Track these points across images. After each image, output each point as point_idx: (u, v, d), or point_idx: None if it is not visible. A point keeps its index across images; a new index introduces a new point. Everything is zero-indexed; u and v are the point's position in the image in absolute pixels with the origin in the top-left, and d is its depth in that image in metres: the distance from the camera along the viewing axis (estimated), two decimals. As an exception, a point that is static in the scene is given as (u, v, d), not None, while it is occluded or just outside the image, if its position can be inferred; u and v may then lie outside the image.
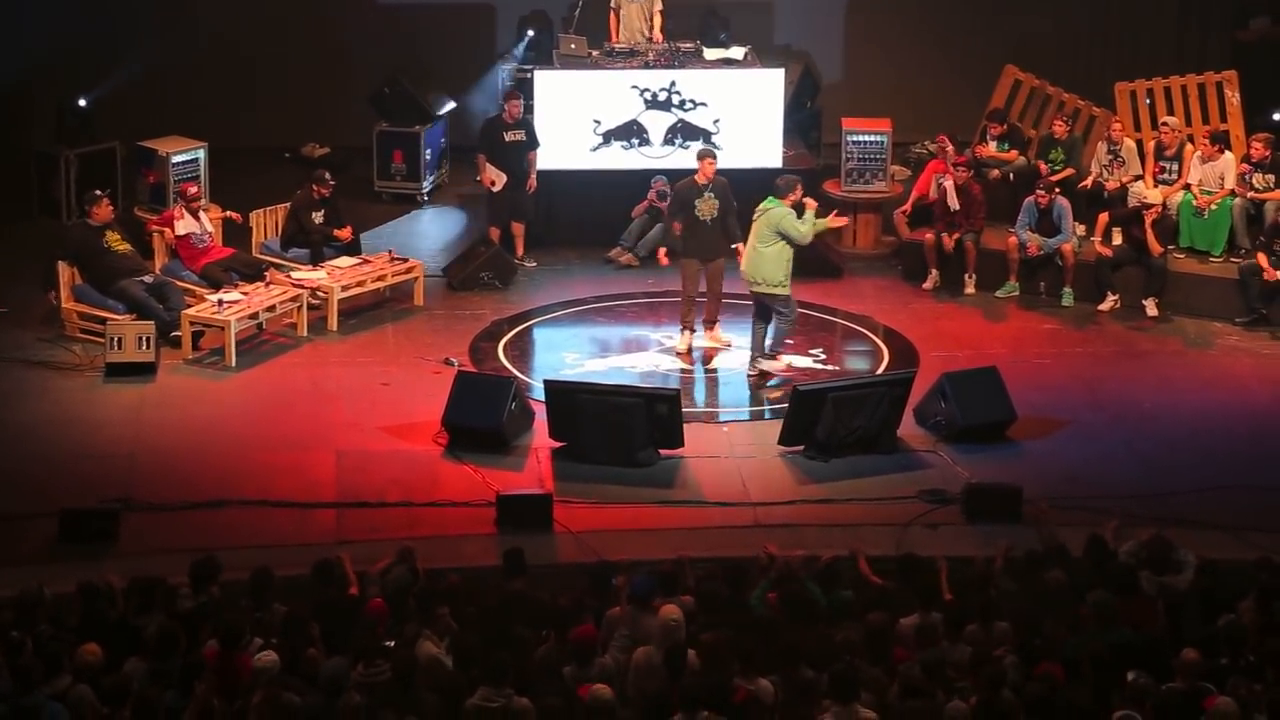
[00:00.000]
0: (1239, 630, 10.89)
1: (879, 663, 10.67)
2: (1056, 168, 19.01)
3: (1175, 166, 18.62)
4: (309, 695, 10.27)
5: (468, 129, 21.06)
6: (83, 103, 19.85)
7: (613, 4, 20.17)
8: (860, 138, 19.64)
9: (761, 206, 16.29)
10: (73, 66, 20.59)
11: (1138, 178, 18.68)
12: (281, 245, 18.13)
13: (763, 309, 16.30)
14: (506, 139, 18.69)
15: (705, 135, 19.29)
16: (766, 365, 16.30)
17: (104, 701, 10.22)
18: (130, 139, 19.59)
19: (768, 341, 16.32)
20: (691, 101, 19.28)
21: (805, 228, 16.10)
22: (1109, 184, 18.70)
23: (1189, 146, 18.77)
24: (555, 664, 10.79)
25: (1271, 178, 18.22)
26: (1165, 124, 18.86)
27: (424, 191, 20.64)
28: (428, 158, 20.61)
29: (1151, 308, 17.75)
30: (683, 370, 16.49)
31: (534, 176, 18.79)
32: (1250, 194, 18.17)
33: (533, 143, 18.77)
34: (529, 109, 19.26)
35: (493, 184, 18.69)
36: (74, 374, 16.16)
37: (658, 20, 20.17)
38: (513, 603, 11.45)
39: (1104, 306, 17.93)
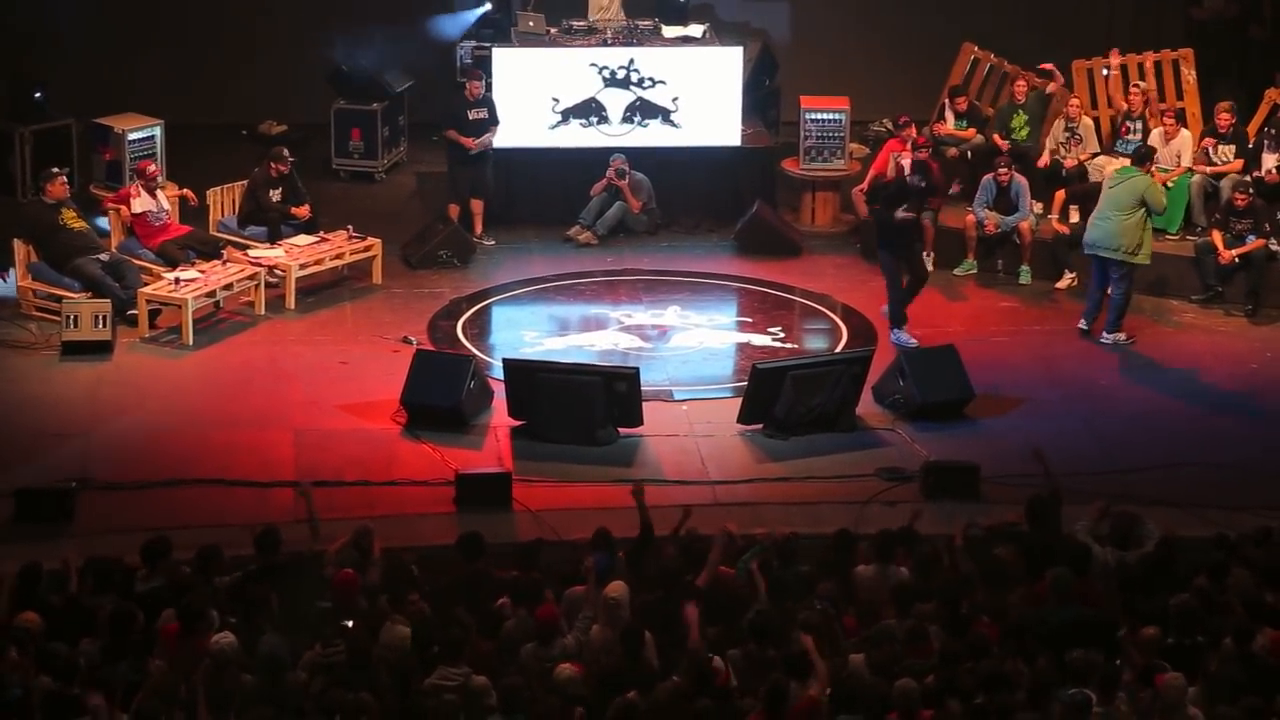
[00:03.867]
0: (1190, 610, 10.95)
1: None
2: (1017, 136, 19.02)
3: (1139, 125, 18.68)
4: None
5: (425, 106, 21.01)
6: (38, 95, 19.66)
7: None
8: (818, 116, 19.64)
9: (1118, 174, 16.75)
10: (27, 42, 20.49)
11: (1095, 155, 18.75)
12: (239, 223, 18.06)
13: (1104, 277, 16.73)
14: (470, 117, 18.67)
15: (664, 113, 19.29)
16: (1112, 338, 16.66)
17: (55, 679, 10.18)
18: (86, 116, 19.48)
19: (1111, 315, 16.70)
20: (650, 79, 19.27)
21: (1165, 198, 16.83)
22: (1067, 161, 18.75)
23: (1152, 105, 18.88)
24: (519, 641, 10.80)
25: (1233, 149, 18.29)
26: (1136, 86, 18.92)
27: (382, 169, 20.58)
28: (385, 135, 20.55)
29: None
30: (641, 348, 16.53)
31: (489, 139, 18.69)
32: (1211, 168, 18.21)
33: (494, 120, 18.76)
34: (487, 86, 19.24)
35: (476, 146, 18.58)
36: (30, 352, 16.08)
37: None
38: (470, 581, 11.44)
39: (1061, 284, 18.00)
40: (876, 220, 16.97)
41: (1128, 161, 18.08)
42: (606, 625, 10.83)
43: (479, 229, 18.84)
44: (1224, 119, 18.35)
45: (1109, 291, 16.75)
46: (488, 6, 21.21)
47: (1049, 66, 19.23)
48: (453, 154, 18.91)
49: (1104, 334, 16.70)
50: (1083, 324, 16.86)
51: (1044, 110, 19.22)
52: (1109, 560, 11.93)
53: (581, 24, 19.88)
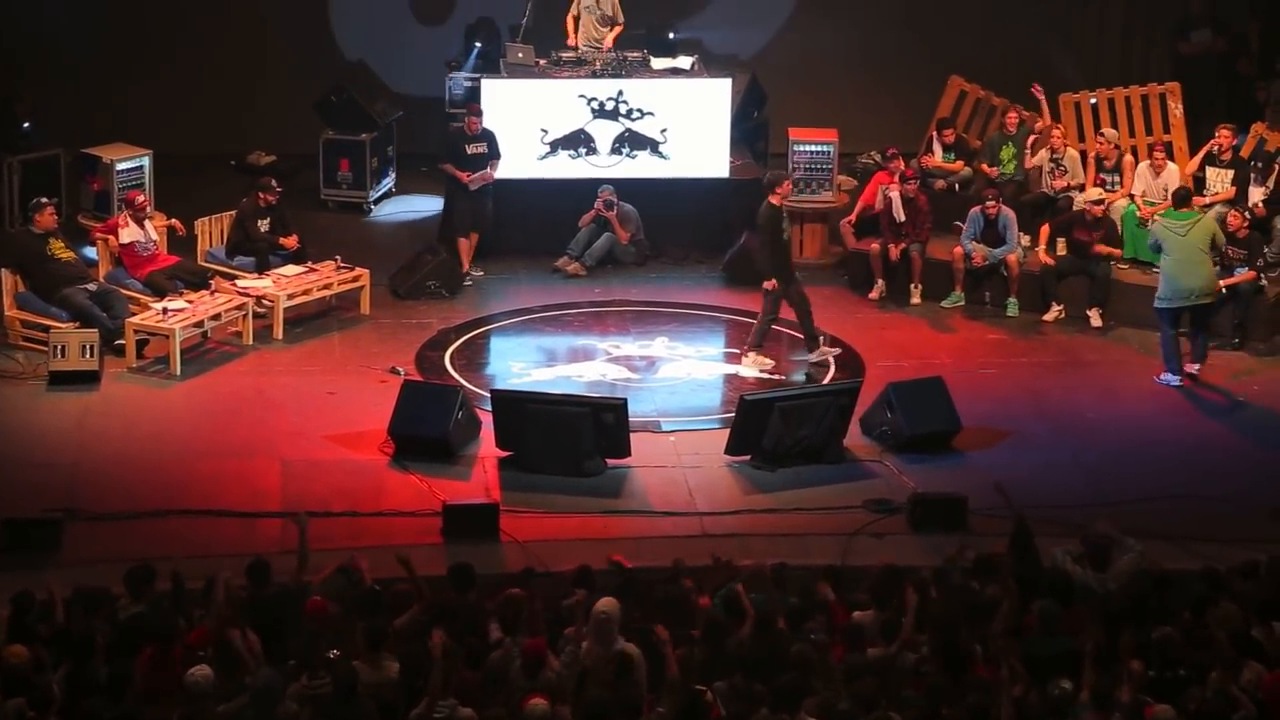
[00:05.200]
0: (1173, 643, 10.94)
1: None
2: (1005, 170, 19.08)
3: (1116, 179, 18.75)
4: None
5: (414, 137, 21.06)
6: (26, 125, 19.69)
7: (573, 11, 20.13)
8: (807, 148, 19.68)
9: (1178, 219, 16.62)
10: (15, 73, 20.51)
11: (1081, 186, 18.77)
12: (227, 253, 18.06)
13: (1175, 319, 16.57)
14: (469, 151, 18.64)
15: (653, 145, 19.32)
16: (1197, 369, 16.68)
17: (31, 706, 10.14)
18: (74, 146, 19.48)
19: (1203, 351, 16.69)
20: (639, 111, 19.30)
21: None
22: (1056, 183, 18.77)
23: (1128, 158, 18.90)
24: (505, 672, 10.77)
25: (1230, 173, 18.29)
26: (1102, 135, 18.96)
27: (370, 200, 20.59)
28: (374, 166, 20.57)
29: (1095, 318, 17.85)
30: (629, 379, 16.52)
31: (490, 172, 18.67)
32: (1206, 199, 18.21)
33: (494, 153, 18.74)
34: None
35: (471, 180, 18.52)
36: (17, 382, 16.06)
37: (616, 30, 20.14)
38: (451, 611, 11.42)
39: (1048, 316, 18.02)
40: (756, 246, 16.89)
41: (1110, 197, 18.21)
42: (596, 642, 10.78)
43: (466, 264, 18.76)
44: (1225, 135, 18.35)
45: (1194, 333, 16.74)
46: (478, 45, 21.23)
47: (1039, 93, 19.27)
48: (451, 187, 18.87)
49: (1195, 366, 16.69)
50: (1195, 368, 16.68)
51: (1029, 136, 19.24)
52: (1090, 583, 11.93)
53: (570, 55, 19.92)
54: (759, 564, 12.21)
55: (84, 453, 14.78)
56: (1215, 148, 18.44)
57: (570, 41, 20.02)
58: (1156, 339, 17.54)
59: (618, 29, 20.13)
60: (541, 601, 11.48)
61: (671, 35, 21.10)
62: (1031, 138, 19.13)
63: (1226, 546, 13.39)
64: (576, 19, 20.13)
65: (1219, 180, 18.37)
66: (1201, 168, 18.53)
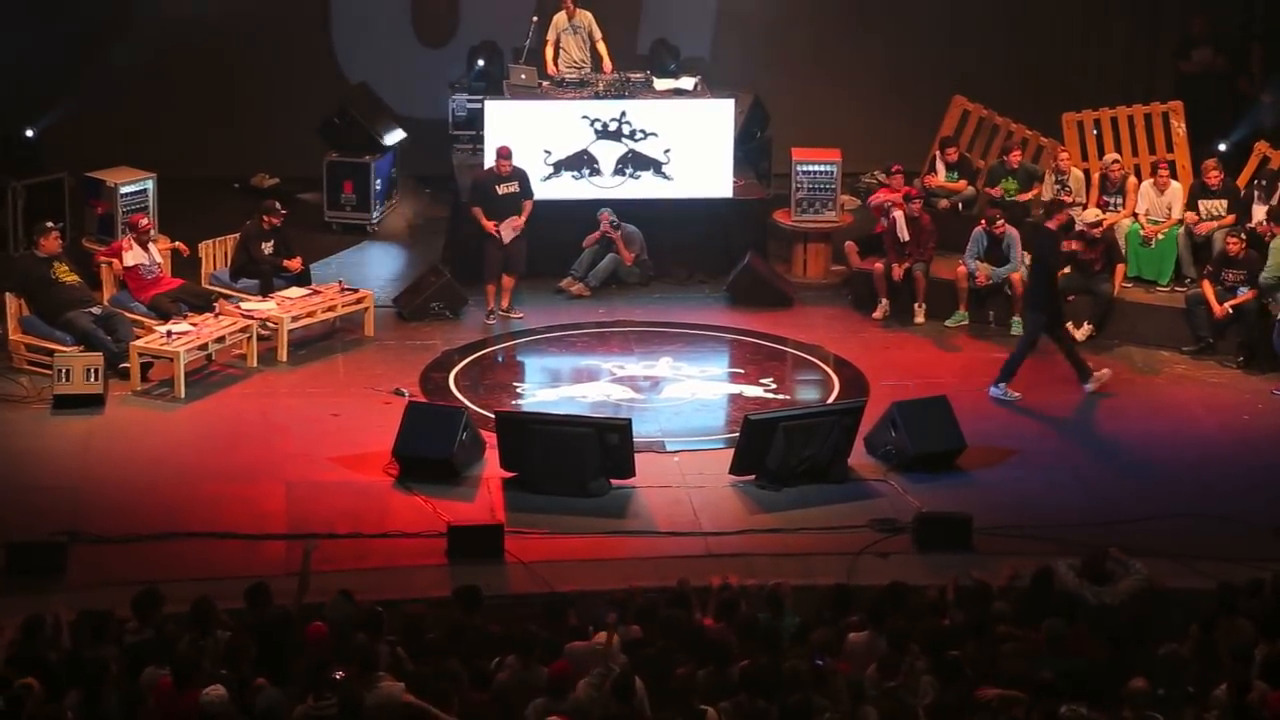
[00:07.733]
0: (1179, 660, 10.93)
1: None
2: (1009, 197, 19.10)
3: (1119, 200, 18.76)
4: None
5: (418, 160, 21.08)
6: (30, 133, 19.75)
7: (549, 37, 20.16)
8: (810, 168, 19.70)
9: None
10: (19, 97, 20.55)
11: (1084, 206, 18.78)
12: (231, 276, 18.08)
13: None
14: (499, 192, 18.27)
15: (656, 165, 19.33)
16: None
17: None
18: (78, 169, 19.52)
19: None
20: (642, 132, 19.32)
21: None
22: (1063, 198, 18.77)
23: (1132, 179, 18.91)
24: (514, 693, 10.76)
25: (1223, 204, 18.33)
26: (1116, 161, 18.95)
27: (374, 222, 20.62)
28: (378, 188, 20.60)
29: (1083, 332, 17.78)
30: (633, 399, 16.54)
31: (524, 219, 18.30)
32: (1208, 223, 18.20)
33: (527, 193, 18.41)
34: (479, 138, 19.32)
35: (498, 232, 18.17)
36: (21, 406, 16.06)
37: (602, 48, 20.18)
38: (461, 633, 11.42)
39: (1080, 334, 17.89)
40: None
41: (1110, 218, 18.22)
42: (595, 674, 10.76)
43: (506, 303, 18.36)
44: (1213, 176, 18.40)
45: None
46: (481, 67, 21.25)
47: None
48: (479, 231, 18.46)
49: None
50: None
51: (1032, 182, 19.24)
52: (1087, 596, 11.93)
53: (574, 77, 19.95)
54: (762, 583, 12.21)
55: (88, 476, 14.78)
56: (1209, 184, 18.45)
57: (550, 70, 19.99)
58: (1161, 358, 17.59)
59: (601, 44, 20.13)
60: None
61: (673, 66, 21.11)
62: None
63: (1229, 564, 13.36)
64: (555, 44, 20.15)
65: (1212, 209, 18.39)
66: (1193, 202, 18.55)
